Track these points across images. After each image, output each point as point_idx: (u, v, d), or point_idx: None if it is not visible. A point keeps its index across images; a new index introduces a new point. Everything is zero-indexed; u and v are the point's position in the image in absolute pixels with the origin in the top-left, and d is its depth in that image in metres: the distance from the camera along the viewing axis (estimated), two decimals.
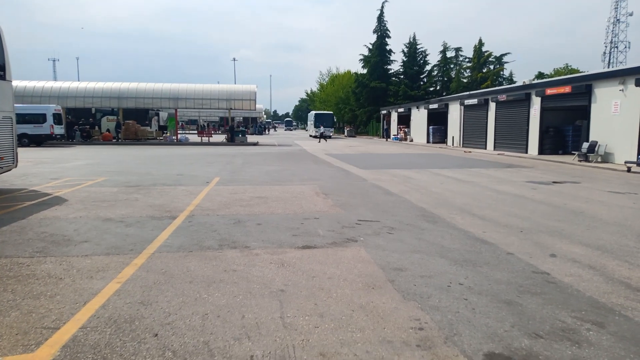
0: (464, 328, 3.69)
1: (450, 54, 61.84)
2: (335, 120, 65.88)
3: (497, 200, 10.01)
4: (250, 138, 42.50)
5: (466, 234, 6.87)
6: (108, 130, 37.36)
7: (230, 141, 37.09)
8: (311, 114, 61.75)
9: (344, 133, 62.86)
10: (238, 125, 48.15)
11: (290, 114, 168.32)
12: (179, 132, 42.40)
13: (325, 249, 5.96)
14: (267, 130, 75.39)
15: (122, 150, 26.99)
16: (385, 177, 14.27)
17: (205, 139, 38.91)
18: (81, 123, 38.55)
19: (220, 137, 44.09)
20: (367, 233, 6.85)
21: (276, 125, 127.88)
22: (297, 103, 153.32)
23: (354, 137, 59.06)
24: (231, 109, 37.07)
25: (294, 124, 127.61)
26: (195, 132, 52.63)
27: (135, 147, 31.48)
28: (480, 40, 57.94)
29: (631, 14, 78.32)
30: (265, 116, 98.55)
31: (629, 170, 16.51)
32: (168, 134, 39.82)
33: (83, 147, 30.32)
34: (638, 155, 17.28)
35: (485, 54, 57.85)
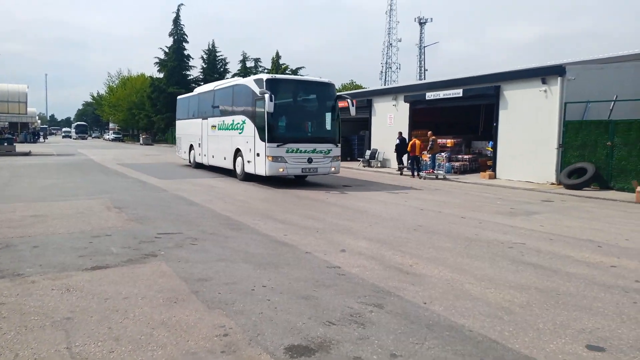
0: (267, 327, 3.83)
1: (250, 64, 63.56)
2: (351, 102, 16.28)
3: (296, 204, 10.71)
4: (20, 147, 36.00)
5: (269, 238, 7.15)
6: None
7: None
8: (265, 80, 13.76)
9: (138, 141, 58.40)
10: (3, 132, 40.30)
11: (72, 119, 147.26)
12: None
13: (120, 268, 5.45)
14: (42, 138, 64.91)
15: None
16: (187, 186, 13.83)
17: None
18: None
19: None
20: (168, 246, 6.52)
21: (55, 131, 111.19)
22: (81, 107, 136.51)
23: (151, 145, 55.77)
24: None
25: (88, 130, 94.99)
26: None
27: None
28: (277, 53, 61.07)
29: (400, 40, 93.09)
30: (40, 121, 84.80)
31: (401, 173, 20.02)
32: None
33: None
34: (407, 160, 20.65)
35: (283, 66, 61.32)
